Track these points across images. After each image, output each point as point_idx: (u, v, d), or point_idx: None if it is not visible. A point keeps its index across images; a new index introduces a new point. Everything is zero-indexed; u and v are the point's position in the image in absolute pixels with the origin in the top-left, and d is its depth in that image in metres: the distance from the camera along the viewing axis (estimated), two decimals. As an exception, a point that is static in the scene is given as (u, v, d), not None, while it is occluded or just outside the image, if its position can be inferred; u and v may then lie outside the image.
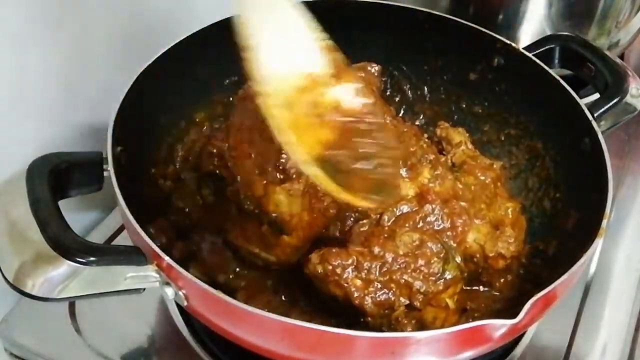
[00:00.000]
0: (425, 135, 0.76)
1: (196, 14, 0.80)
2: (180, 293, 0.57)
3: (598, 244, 0.61)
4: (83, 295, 0.57)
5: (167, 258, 0.56)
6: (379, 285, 0.61)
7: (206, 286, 0.55)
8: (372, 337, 0.53)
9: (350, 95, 0.57)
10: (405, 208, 0.65)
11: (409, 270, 0.62)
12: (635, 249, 0.83)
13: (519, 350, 0.72)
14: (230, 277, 0.71)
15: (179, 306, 0.71)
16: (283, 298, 0.69)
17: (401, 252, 0.62)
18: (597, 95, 0.75)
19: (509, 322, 0.53)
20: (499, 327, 0.54)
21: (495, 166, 0.74)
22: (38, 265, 0.54)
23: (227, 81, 0.83)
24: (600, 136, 0.68)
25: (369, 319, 0.61)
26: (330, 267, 0.61)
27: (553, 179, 0.75)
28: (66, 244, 0.55)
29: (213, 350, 0.69)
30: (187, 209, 0.76)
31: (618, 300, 0.77)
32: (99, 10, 0.76)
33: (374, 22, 0.84)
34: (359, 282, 0.61)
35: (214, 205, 0.77)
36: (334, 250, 0.62)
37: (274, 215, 0.64)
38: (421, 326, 0.62)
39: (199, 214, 0.76)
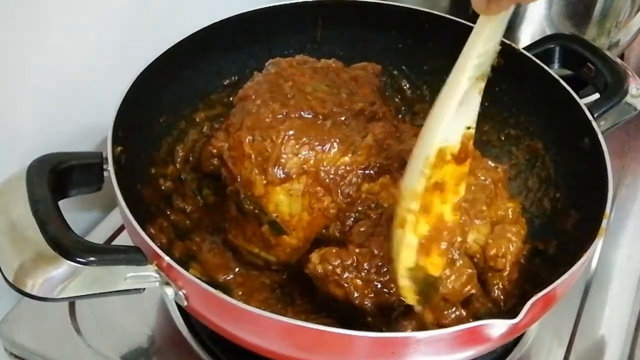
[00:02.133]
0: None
1: (196, 14, 0.80)
2: (180, 293, 0.57)
3: (598, 244, 0.61)
4: (83, 295, 0.57)
5: (167, 258, 0.56)
6: (379, 286, 0.61)
7: (206, 286, 0.55)
8: (372, 337, 0.53)
9: (457, 183, 0.58)
10: None
11: None
12: (635, 249, 0.83)
13: (519, 350, 0.72)
14: (230, 276, 0.71)
15: (179, 306, 0.71)
16: (280, 296, 0.70)
17: None
18: (597, 95, 0.75)
19: (509, 322, 0.53)
20: (499, 327, 0.54)
21: (499, 169, 0.74)
22: (38, 265, 0.54)
23: (227, 81, 0.83)
24: (600, 136, 0.68)
25: (369, 319, 0.61)
26: (331, 267, 0.61)
27: (553, 179, 0.75)
28: (66, 244, 0.55)
29: (213, 350, 0.69)
30: (187, 209, 0.76)
31: (618, 300, 0.77)
32: (98, 10, 0.76)
33: (374, 22, 0.84)
34: (359, 282, 0.61)
35: (214, 205, 0.77)
36: (334, 250, 0.62)
37: (274, 215, 0.64)
38: (421, 326, 0.62)
39: (199, 214, 0.76)
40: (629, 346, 0.73)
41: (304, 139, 0.64)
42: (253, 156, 0.64)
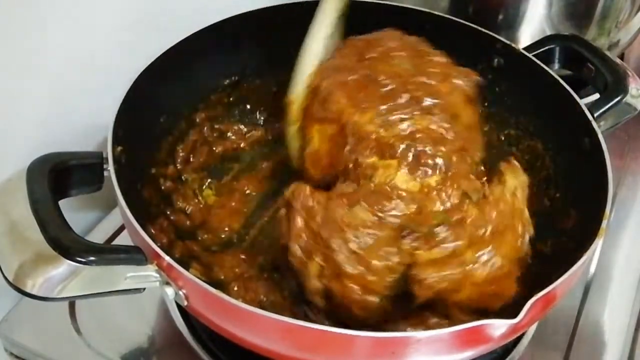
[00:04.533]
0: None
1: (197, 14, 0.80)
2: (181, 293, 0.57)
3: (598, 244, 0.61)
4: (83, 295, 0.57)
5: (167, 258, 0.56)
6: (312, 236, 0.62)
7: (206, 286, 0.55)
8: (372, 337, 0.53)
9: None
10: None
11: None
12: (635, 249, 0.83)
13: (519, 350, 0.72)
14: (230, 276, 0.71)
15: (179, 306, 0.71)
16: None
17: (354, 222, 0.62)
18: (597, 95, 0.75)
19: (509, 322, 0.53)
20: (499, 327, 0.54)
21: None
22: (38, 265, 0.54)
23: (227, 81, 0.83)
24: (600, 136, 0.68)
25: (292, 259, 0.62)
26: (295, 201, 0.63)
27: (553, 179, 0.75)
28: (66, 244, 0.55)
29: (213, 350, 0.69)
30: (187, 209, 0.76)
31: (618, 300, 0.77)
32: (99, 10, 0.76)
33: (374, 22, 0.84)
34: (301, 223, 0.62)
35: (214, 206, 0.77)
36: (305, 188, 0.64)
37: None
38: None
39: (199, 214, 0.76)
40: (629, 346, 0.73)
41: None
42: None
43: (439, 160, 0.65)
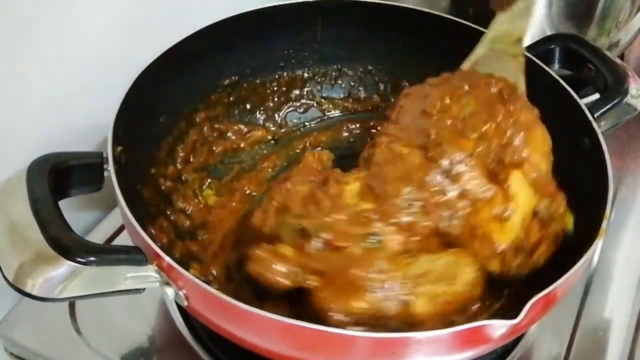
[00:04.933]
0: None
1: (197, 14, 0.80)
2: (181, 293, 0.57)
3: (598, 245, 0.61)
4: (83, 295, 0.57)
5: (167, 258, 0.56)
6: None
7: (206, 286, 0.55)
8: (372, 337, 0.53)
9: None
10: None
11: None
12: (635, 249, 0.83)
13: (519, 350, 0.72)
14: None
15: (179, 306, 0.71)
16: None
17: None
18: (597, 95, 0.75)
19: (509, 322, 0.53)
20: (499, 327, 0.54)
21: None
22: (38, 265, 0.54)
23: (227, 81, 0.83)
24: (600, 136, 0.68)
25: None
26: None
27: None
28: (66, 244, 0.55)
29: (213, 350, 0.69)
30: (187, 209, 0.76)
31: (618, 300, 0.77)
32: (100, 10, 0.76)
33: (374, 22, 0.84)
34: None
35: (214, 206, 0.77)
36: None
37: None
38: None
39: (199, 214, 0.76)
40: (629, 346, 0.73)
41: None
42: None
43: (382, 192, 0.61)
